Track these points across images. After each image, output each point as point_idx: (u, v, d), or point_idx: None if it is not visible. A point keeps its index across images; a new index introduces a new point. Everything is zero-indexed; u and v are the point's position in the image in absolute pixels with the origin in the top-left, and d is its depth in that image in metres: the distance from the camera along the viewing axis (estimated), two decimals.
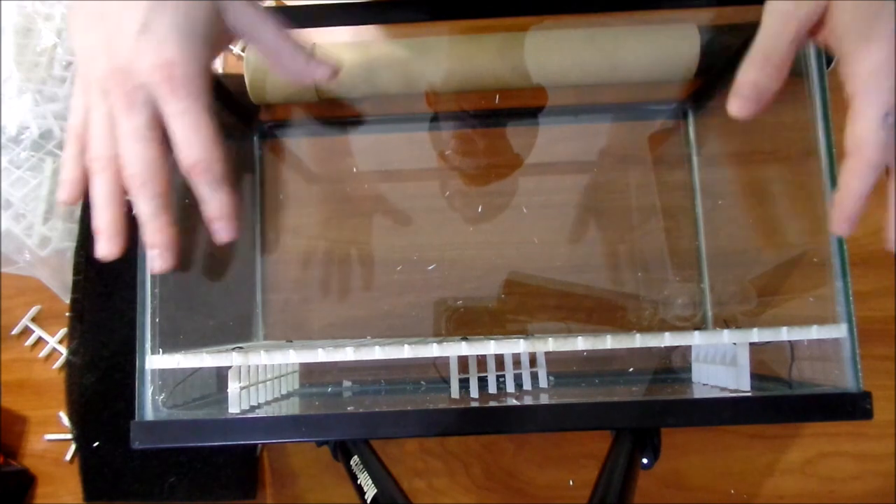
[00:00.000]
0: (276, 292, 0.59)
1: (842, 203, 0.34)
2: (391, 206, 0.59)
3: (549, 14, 0.46)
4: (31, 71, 0.58)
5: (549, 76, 0.54)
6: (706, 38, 0.52)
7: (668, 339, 0.40)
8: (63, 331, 0.59)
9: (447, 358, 0.45)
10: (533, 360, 0.49)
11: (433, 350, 0.40)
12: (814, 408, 0.39)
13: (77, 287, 0.57)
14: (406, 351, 0.40)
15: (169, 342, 0.42)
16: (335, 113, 0.60)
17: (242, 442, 0.42)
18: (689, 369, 0.51)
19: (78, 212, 0.57)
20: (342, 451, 0.46)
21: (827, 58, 0.39)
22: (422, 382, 0.54)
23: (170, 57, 0.33)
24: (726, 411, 0.39)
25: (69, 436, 0.58)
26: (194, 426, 0.40)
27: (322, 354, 0.40)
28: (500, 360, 0.47)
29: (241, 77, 0.54)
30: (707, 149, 0.58)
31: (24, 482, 0.58)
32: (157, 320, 0.42)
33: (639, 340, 0.40)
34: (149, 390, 0.41)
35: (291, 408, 0.47)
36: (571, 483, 0.56)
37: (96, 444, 0.56)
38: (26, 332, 0.60)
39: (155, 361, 0.41)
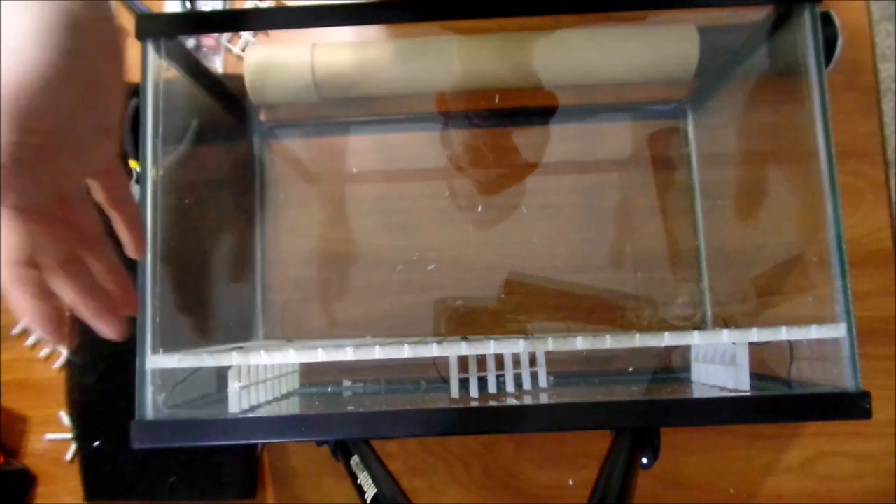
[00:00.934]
0: (276, 292, 0.59)
1: None
2: (391, 206, 0.59)
3: (549, 14, 0.46)
4: None
5: (550, 76, 0.54)
6: (706, 39, 0.52)
7: (667, 339, 0.40)
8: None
9: (447, 358, 0.45)
10: (533, 360, 0.49)
11: (433, 350, 0.40)
12: (813, 407, 0.39)
13: None
14: (406, 351, 0.40)
15: (169, 342, 0.42)
16: (335, 113, 0.60)
17: (242, 441, 0.42)
18: (688, 369, 0.51)
19: None
20: (342, 450, 0.46)
21: (827, 58, 0.39)
22: (422, 382, 0.54)
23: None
24: (726, 411, 0.39)
25: (69, 435, 0.58)
26: (194, 426, 0.40)
27: (322, 354, 0.40)
28: (499, 359, 0.47)
29: (241, 77, 0.54)
30: (707, 149, 0.58)
31: (25, 482, 0.58)
32: (157, 320, 0.42)
33: (638, 340, 0.40)
34: (149, 390, 0.41)
35: (291, 407, 0.47)
36: (571, 483, 0.56)
37: (97, 443, 0.56)
38: (26, 332, 0.60)
39: (155, 361, 0.41)
